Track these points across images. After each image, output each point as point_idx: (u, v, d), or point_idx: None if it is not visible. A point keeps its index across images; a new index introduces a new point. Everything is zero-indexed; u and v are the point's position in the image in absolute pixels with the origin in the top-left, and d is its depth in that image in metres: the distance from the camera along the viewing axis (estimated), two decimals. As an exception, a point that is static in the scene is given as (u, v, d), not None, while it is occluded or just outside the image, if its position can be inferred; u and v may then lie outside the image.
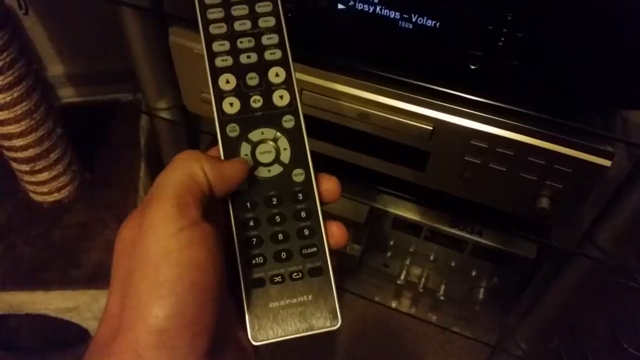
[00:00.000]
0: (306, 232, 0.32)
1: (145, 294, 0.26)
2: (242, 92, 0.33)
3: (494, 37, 0.44)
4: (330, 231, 0.32)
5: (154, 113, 0.76)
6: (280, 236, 0.32)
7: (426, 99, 0.53)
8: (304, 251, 0.32)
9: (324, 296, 0.31)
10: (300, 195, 0.32)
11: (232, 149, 0.32)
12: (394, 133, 0.57)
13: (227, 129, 0.32)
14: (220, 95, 0.33)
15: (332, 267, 0.32)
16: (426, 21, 0.46)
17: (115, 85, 1.04)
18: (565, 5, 0.40)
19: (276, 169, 0.33)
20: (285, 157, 0.33)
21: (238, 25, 0.34)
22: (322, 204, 0.33)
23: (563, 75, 0.45)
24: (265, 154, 0.33)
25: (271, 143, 0.33)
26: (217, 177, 0.29)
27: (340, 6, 0.48)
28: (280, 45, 0.34)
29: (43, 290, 0.79)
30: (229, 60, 0.33)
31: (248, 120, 0.33)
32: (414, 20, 0.46)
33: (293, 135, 0.33)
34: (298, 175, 0.33)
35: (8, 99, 0.71)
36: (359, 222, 0.74)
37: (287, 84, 0.33)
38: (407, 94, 0.54)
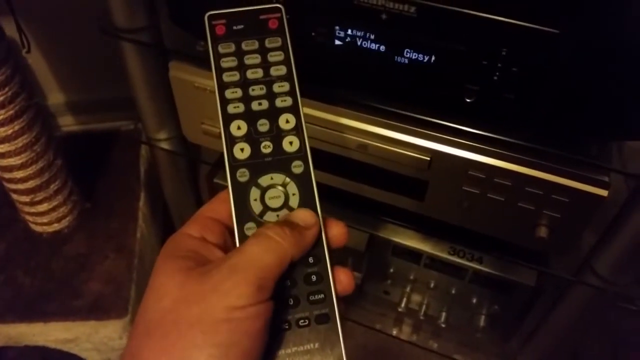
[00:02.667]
0: (314, 278, 0.32)
1: (198, 349, 0.27)
2: (252, 137, 0.34)
3: (488, 71, 0.45)
4: (337, 278, 0.32)
5: (153, 143, 0.77)
6: (288, 282, 0.32)
7: (423, 130, 0.54)
8: (311, 297, 0.32)
9: (331, 344, 0.31)
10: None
11: (242, 194, 0.33)
12: (392, 163, 0.57)
13: (237, 174, 0.33)
14: (232, 140, 0.33)
15: (340, 314, 0.32)
16: (421, 56, 0.47)
17: (116, 113, 1.05)
18: (558, 40, 0.41)
19: (285, 214, 0.33)
20: (294, 202, 0.33)
21: (250, 74, 0.34)
22: (329, 249, 0.33)
23: (558, 107, 0.45)
24: (274, 199, 0.33)
25: (280, 188, 0.33)
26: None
27: (337, 42, 0.49)
28: (291, 92, 0.35)
29: (42, 322, 0.79)
30: (241, 107, 0.34)
31: (258, 165, 0.33)
32: (409, 55, 0.47)
33: (302, 181, 0.33)
34: None
35: (9, 131, 0.71)
36: (358, 249, 0.74)
37: (297, 130, 0.34)
38: (405, 125, 0.55)
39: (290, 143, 0.34)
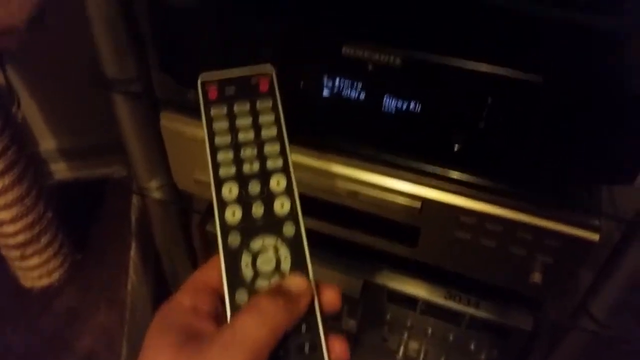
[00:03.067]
0: (307, 347, 0.31)
1: None
2: (244, 200, 0.33)
3: (475, 120, 0.45)
4: (331, 347, 0.31)
5: (145, 193, 0.77)
6: (281, 352, 0.30)
7: (413, 177, 0.54)
8: None
9: None
10: None
11: (233, 260, 0.32)
12: (383, 210, 0.57)
13: (229, 238, 0.32)
14: (223, 204, 0.33)
15: None
16: (408, 105, 0.47)
17: (109, 157, 1.05)
18: (542, 89, 0.42)
19: (276, 279, 0.32)
20: (286, 266, 0.32)
21: (242, 136, 0.35)
22: (322, 315, 0.32)
23: (545, 153, 0.46)
24: (265, 263, 0.32)
25: (271, 252, 0.33)
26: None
27: (325, 92, 0.50)
28: (282, 153, 0.34)
29: (31, 381, 0.77)
30: (232, 170, 0.34)
31: (249, 228, 0.33)
32: (395, 104, 0.48)
33: (293, 244, 0.33)
34: None
35: (-1, 186, 0.71)
36: (353, 296, 0.73)
37: (288, 192, 0.34)
38: (395, 172, 0.55)
39: (282, 205, 0.34)
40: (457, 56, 0.44)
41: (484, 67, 0.42)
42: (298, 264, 0.32)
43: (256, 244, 0.33)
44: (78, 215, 0.94)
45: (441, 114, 0.47)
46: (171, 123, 0.63)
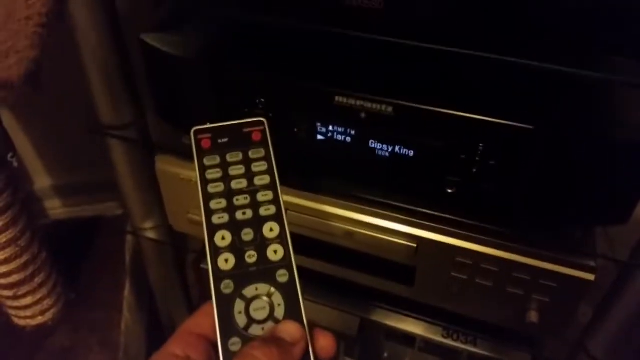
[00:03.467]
0: None
1: None
2: (237, 247, 0.34)
3: (467, 164, 0.46)
4: None
5: (139, 233, 0.76)
6: None
7: (409, 219, 0.54)
8: None
9: None
10: None
11: (226, 307, 0.32)
12: (379, 250, 0.57)
13: (222, 285, 0.33)
14: (216, 251, 0.33)
15: None
16: (400, 151, 0.48)
17: (103, 195, 1.05)
18: (534, 135, 0.42)
19: (270, 326, 0.32)
20: (280, 313, 0.32)
21: (235, 184, 0.35)
22: None
23: (537, 197, 0.46)
24: (259, 310, 0.32)
25: (265, 299, 0.33)
26: None
27: (319, 137, 0.50)
28: (275, 201, 0.35)
29: None
30: (225, 218, 0.34)
31: (242, 275, 0.33)
32: (388, 150, 0.48)
33: (287, 290, 0.33)
34: None
35: (-7, 228, 0.71)
36: (350, 334, 0.73)
37: (281, 239, 0.34)
38: (390, 213, 0.55)
39: (275, 252, 0.34)
40: (448, 105, 0.44)
41: (474, 116, 0.43)
42: (292, 311, 0.32)
43: (249, 291, 0.33)
44: (72, 254, 0.94)
45: (434, 159, 0.47)
46: (166, 166, 0.63)
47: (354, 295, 0.71)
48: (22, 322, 0.84)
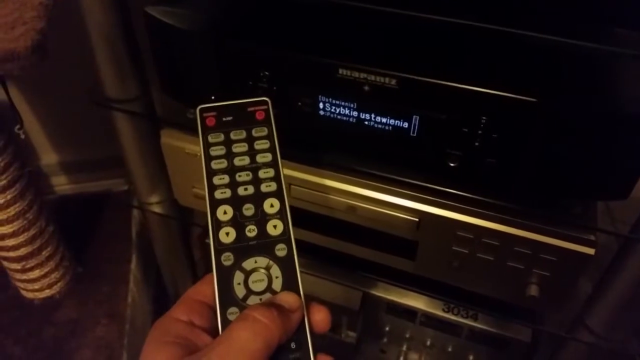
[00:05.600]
0: None
1: None
2: (238, 222, 0.35)
3: (470, 138, 0.46)
4: None
5: (145, 207, 0.77)
6: None
7: (411, 193, 0.55)
8: None
9: None
10: None
11: (226, 278, 0.33)
12: (381, 225, 0.58)
13: (222, 257, 0.34)
14: (218, 225, 0.34)
15: None
16: (403, 124, 0.48)
17: (109, 171, 1.06)
18: (536, 108, 0.43)
19: (268, 297, 0.33)
20: (277, 285, 0.33)
21: (238, 161, 0.36)
22: (312, 334, 0.33)
23: (539, 171, 0.46)
24: (257, 282, 0.33)
25: (263, 271, 0.34)
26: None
27: (321, 112, 0.51)
28: (276, 178, 0.36)
29: (33, 393, 0.77)
30: (227, 193, 0.35)
31: (242, 249, 0.34)
32: (391, 123, 0.49)
33: (285, 264, 0.34)
34: None
35: (1, 201, 0.72)
36: (352, 308, 0.74)
37: (281, 214, 0.35)
38: (392, 187, 0.55)
39: (274, 227, 0.35)
40: (452, 77, 0.44)
41: (478, 88, 0.43)
42: (289, 284, 0.34)
43: (249, 263, 0.34)
44: (79, 229, 0.95)
45: (436, 132, 0.47)
46: (171, 140, 0.63)
47: (356, 270, 0.72)
48: (30, 295, 0.85)
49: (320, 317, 0.33)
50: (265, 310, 0.30)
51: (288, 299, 0.32)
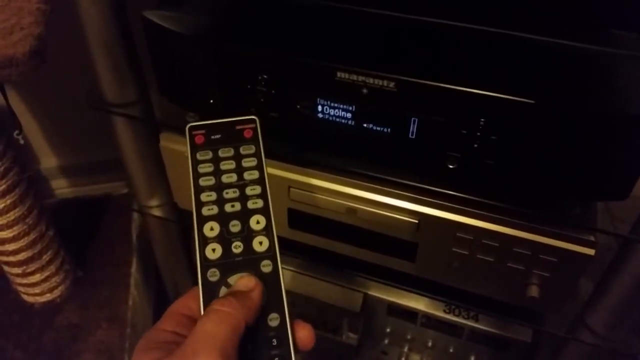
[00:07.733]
0: (274, 341, 0.33)
1: None
2: (224, 238, 0.35)
3: (468, 140, 0.46)
4: (298, 336, 0.33)
5: (145, 211, 0.77)
6: (249, 346, 0.32)
7: (410, 195, 0.55)
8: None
9: None
10: (274, 340, 0.33)
11: (211, 293, 0.34)
12: (381, 227, 0.58)
13: (208, 273, 0.34)
14: (205, 241, 0.35)
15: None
16: (402, 127, 0.48)
17: (109, 174, 1.06)
18: (534, 110, 0.43)
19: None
20: (262, 300, 0.34)
21: (225, 178, 0.37)
22: (296, 352, 0.33)
23: (538, 172, 0.46)
24: None
25: None
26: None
27: (320, 114, 0.51)
28: (262, 195, 0.37)
29: (33, 398, 0.77)
30: (214, 209, 0.36)
31: (228, 265, 0.35)
32: (390, 126, 0.49)
33: (270, 280, 0.34)
34: (273, 320, 0.33)
35: (1, 206, 0.72)
36: (354, 310, 0.74)
37: (267, 231, 0.36)
38: (392, 189, 0.55)
39: (260, 243, 0.35)
40: (450, 80, 0.44)
41: (476, 90, 0.43)
42: (274, 300, 0.34)
43: (234, 279, 0.34)
44: (79, 232, 0.95)
45: (435, 135, 0.47)
46: (170, 143, 0.63)
47: (357, 272, 0.72)
48: (31, 299, 0.85)
49: (303, 334, 0.34)
50: (223, 300, 0.32)
51: (242, 281, 0.33)
